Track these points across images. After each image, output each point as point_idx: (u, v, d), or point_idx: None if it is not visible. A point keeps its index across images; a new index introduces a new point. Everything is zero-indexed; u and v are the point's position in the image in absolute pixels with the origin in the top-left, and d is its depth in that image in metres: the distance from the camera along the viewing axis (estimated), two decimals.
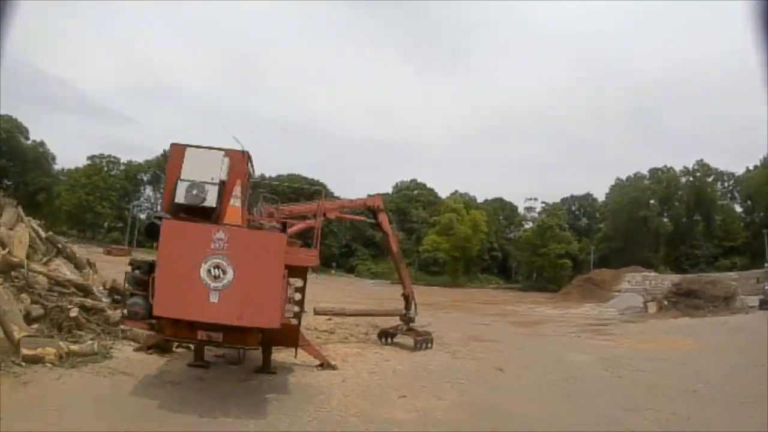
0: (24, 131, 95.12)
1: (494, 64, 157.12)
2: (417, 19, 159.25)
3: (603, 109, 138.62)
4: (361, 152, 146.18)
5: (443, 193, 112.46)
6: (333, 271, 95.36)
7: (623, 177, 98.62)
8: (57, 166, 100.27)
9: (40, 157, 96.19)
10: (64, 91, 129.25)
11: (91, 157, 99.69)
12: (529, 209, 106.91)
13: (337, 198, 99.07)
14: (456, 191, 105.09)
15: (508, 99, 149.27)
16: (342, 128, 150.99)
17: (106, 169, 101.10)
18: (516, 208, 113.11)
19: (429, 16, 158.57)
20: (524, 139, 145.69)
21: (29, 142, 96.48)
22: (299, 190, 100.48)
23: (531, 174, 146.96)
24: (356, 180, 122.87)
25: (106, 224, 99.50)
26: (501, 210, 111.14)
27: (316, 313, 16.46)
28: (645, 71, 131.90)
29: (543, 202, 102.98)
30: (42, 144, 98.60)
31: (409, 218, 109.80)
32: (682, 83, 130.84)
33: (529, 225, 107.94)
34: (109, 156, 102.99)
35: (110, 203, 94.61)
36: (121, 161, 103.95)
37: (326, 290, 31.74)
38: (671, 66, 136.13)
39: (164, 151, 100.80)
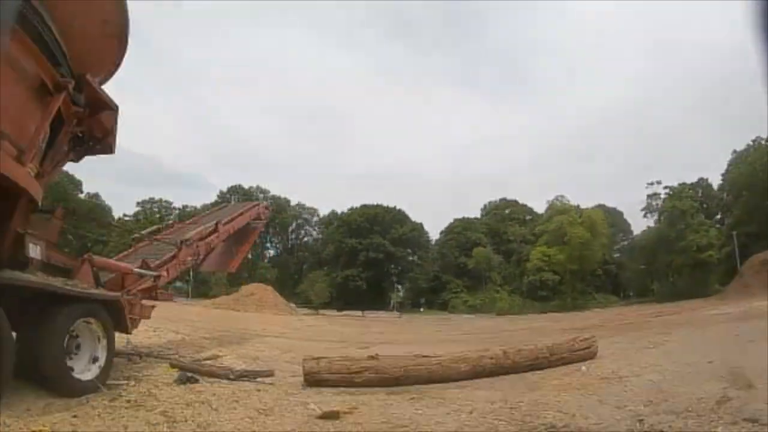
0: (77, 184, 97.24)
1: (563, 80, 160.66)
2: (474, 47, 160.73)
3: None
4: (447, 189, 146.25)
5: (539, 207, 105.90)
6: (421, 309, 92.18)
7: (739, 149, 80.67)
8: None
9: (95, 209, 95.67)
10: (151, 166, 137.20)
11: (141, 203, 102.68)
12: (653, 196, 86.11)
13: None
14: (556, 197, 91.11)
15: (580, 114, 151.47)
16: (425, 170, 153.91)
17: (158, 214, 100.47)
18: (621, 213, 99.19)
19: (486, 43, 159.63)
20: (608, 151, 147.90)
21: (83, 195, 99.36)
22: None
23: (618, 186, 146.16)
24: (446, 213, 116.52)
25: None
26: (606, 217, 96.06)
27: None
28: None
29: (666, 187, 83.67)
30: (96, 196, 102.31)
31: (506, 238, 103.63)
32: None
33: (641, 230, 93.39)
34: (160, 200, 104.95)
35: None
36: (174, 205, 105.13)
37: (404, 331, 32.21)
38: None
39: (221, 192, 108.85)
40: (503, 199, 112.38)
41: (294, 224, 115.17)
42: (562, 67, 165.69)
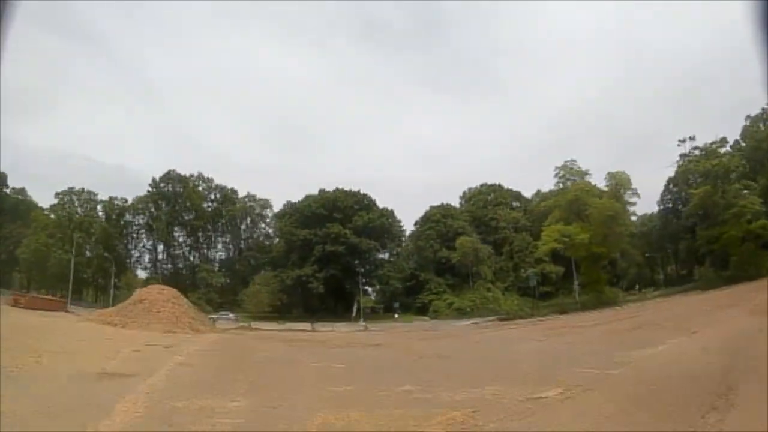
0: (2, 178, 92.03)
1: (528, 79, 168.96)
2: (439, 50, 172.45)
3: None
4: (423, 192, 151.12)
5: (527, 191, 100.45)
6: (396, 315, 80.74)
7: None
8: None
9: (19, 204, 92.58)
10: (120, 175, 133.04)
11: (60, 194, 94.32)
12: (687, 156, 74.67)
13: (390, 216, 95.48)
14: (566, 162, 75.94)
15: (551, 110, 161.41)
16: (399, 175, 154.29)
17: (79, 207, 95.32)
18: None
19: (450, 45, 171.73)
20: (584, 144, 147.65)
21: (8, 190, 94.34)
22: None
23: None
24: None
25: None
26: None
27: None
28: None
29: (696, 148, 73.94)
30: (22, 191, 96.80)
31: (493, 225, 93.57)
32: None
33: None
34: (82, 191, 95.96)
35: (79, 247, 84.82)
36: (99, 197, 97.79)
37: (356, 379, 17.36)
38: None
39: (154, 180, 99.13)
40: (484, 185, 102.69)
41: (248, 221, 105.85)
42: (529, 67, 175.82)
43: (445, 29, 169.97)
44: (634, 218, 73.38)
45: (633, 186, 66.49)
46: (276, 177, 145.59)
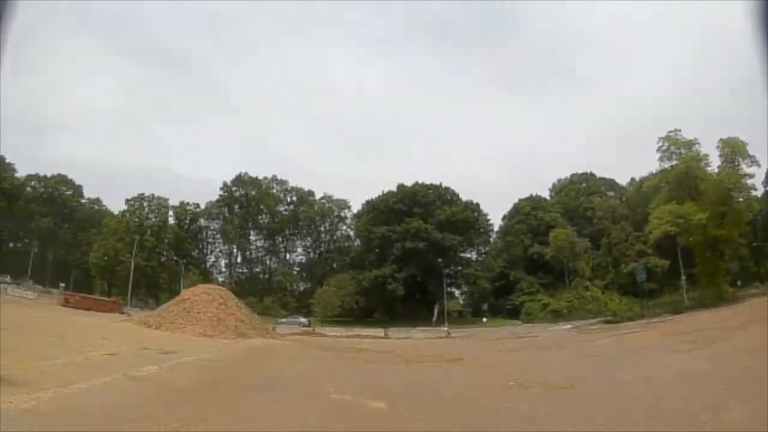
0: (78, 190, 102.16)
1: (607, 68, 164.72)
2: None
3: None
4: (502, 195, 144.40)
5: (621, 179, 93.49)
6: (484, 319, 75.49)
7: None
8: None
9: (94, 214, 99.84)
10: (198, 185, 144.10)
11: (131, 200, 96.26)
12: None
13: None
14: (669, 132, 65.98)
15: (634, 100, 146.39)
16: (478, 177, 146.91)
17: (150, 212, 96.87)
18: None
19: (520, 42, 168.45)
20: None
21: (84, 200, 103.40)
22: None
23: None
24: None
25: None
26: None
27: None
28: None
29: None
30: (98, 201, 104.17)
31: (587, 216, 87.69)
32: None
33: None
34: (152, 196, 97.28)
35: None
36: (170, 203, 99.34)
37: None
38: None
39: (225, 184, 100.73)
40: (575, 174, 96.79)
41: (327, 223, 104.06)
42: (604, 59, 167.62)
43: (516, 26, 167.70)
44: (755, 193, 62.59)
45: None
46: (353, 184, 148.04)
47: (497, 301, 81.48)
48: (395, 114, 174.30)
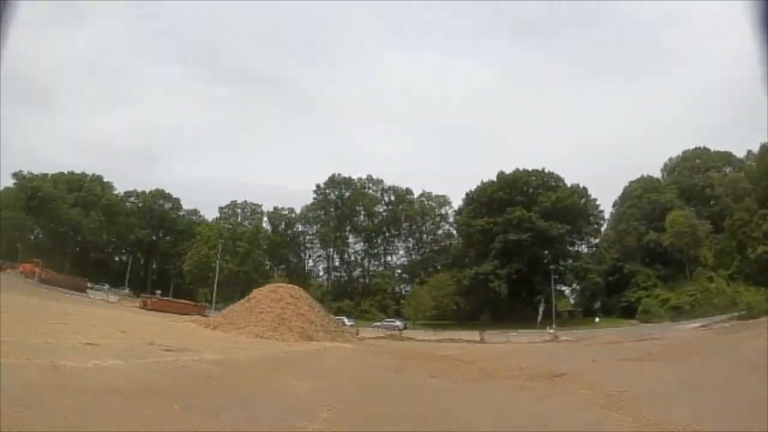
0: (176, 203, 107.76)
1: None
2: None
3: None
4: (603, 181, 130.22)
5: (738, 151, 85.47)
6: (597, 319, 70.40)
7: None
8: None
9: (192, 224, 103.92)
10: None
11: (224, 208, 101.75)
12: None
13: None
14: None
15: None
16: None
17: (242, 218, 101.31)
18: None
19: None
20: None
21: (181, 212, 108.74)
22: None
23: None
24: None
25: None
26: None
27: None
28: None
29: None
30: (195, 212, 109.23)
31: (709, 195, 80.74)
32: None
33: None
34: (245, 203, 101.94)
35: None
36: (263, 209, 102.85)
37: None
38: None
39: (318, 186, 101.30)
40: (686, 151, 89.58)
41: (428, 223, 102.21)
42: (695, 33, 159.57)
43: (600, 10, 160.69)
44: None
45: None
46: (451, 181, 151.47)
47: (610, 298, 76.37)
48: (484, 108, 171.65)
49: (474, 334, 48.63)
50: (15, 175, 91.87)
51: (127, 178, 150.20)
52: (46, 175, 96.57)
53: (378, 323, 66.62)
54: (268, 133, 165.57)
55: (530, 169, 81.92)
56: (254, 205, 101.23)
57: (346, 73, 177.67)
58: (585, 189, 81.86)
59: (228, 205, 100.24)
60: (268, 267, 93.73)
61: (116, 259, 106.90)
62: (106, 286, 75.31)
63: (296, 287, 45.80)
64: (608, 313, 72.79)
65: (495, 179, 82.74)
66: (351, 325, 60.62)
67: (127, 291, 76.15)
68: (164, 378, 12.22)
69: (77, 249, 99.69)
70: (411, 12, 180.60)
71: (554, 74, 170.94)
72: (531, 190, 79.98)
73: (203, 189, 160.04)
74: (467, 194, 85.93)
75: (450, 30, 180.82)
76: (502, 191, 79.21)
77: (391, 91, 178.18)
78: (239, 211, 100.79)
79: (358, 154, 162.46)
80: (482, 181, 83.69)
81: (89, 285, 68.51)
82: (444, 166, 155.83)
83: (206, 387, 11.89)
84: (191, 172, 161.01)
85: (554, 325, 60.84)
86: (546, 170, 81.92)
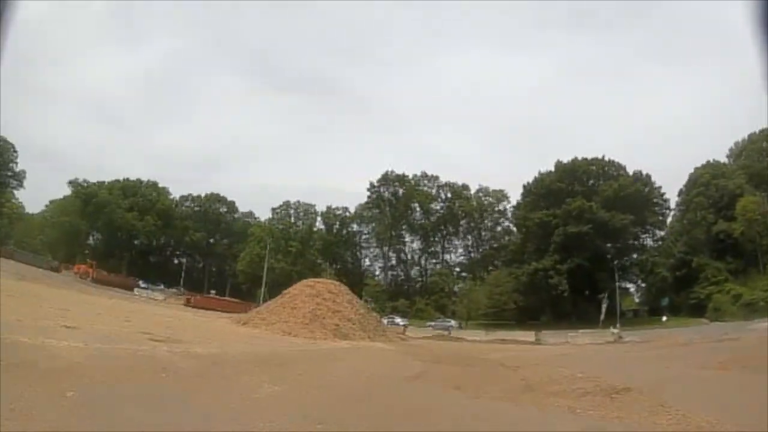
0: (231, 206, 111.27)
1: None
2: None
3: None
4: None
5: None
6: (664, 317, 66.09)
7: None
8: None
9: (247, 227, 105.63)
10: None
11: (277, 209, 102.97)
12: None
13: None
14: None
15: None
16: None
17: (294, 219, 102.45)
18: None
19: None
20: None
21: (237, 215, 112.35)
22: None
23: None
24: None
25: None
26: None
27: None
28: None
29: None
30: (250, 214, 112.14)
31: None
32: None
33: None
34: (297, 203, 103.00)
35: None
36: (317, 209, 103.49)
37: None
38: None
39: (371, 184, 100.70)
40: (753, 134, 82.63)
41: (488, 220, 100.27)
42: None
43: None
44: None
45: None
46: (510, 176, 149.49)
47: (677, 295, 71.49)
48: (541, 102, 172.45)
49: (530, 335, 46.48)
50: (71, 183, 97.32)
51: (187, 186, 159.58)
52: (103, 182, 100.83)
53: (432, 323, 65.52)
54: (323, 137, 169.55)
55: (589, 157, 78.63)
56: (307, 205, 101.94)
57: (399, 74, 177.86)
58: (648, 176, 77.59)
59: (281, 206, 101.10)
60: (320, 266, 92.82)
61: (176, 262, 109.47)
62: (162, 286, 78.80)
63: (336, 282, 44.58)
64: (675, 311, 68.50)
65: (553, 169, 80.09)
66: (404, 325, 59.41)
67: (175, 290, 77.73)
68: (106, 363, 10.98)
69: (134, 252, 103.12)
70: (458, 11, 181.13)
71: (611, 63, 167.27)
72: (591, 181, 77.18)
73: (260, 193, 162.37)
74: (524, 186, 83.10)
75: (500, 26, 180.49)
76: (560, 181, 76.49)
77: (446, 89, 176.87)
78: (292, 211, 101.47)
79: (414, 154, 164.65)
80: (539, 172, 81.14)
81: (143, 285, 71.74)
82: (501, 163, 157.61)
83: (150, 378, 10.61)
84: (249, 178, 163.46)
85: (618, 325, 56.72)
86: (606, 158, 78.51)
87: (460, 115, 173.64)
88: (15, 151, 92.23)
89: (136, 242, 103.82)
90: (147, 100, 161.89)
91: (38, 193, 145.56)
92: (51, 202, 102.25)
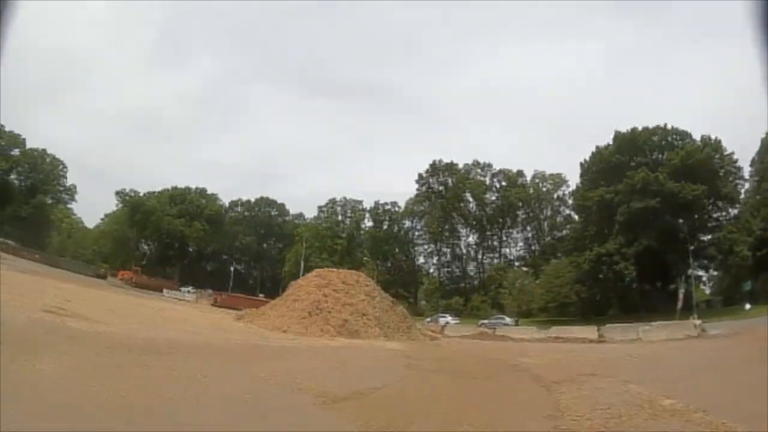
0: (282, 208, 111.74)
1: None
2: None
3: None
4: None
5: None
6: (747, 306, 55.74)
7: None
8: None
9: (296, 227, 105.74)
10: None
11: (324, 206, 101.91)
12: None
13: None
14: None
15: None
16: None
17: (341, 216, 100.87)
18: None
19: None
20: None
21: (288, 217, 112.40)
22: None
23: None
24: None
25: None
26: None
27: None
28: None
29: None
30: (300, 216, 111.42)
31: None
32: None
33: None
34: (344, 200, 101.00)
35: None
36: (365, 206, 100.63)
37: None
38: None
39: (420, 175, 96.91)
40: None
41: (548, 210, 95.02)
42: None
43: None
44: None
45: None
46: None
47: (756, 279, 61.24)
48: (593, 88, 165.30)
49: (591, 331, 37.45)
50: (118, 193, 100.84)
51: (239, 195, 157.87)
52: (153, 192, 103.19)
53: (485, 320, 58.78)
54: (371, 140, 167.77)
55: (650, 126, 69.87)
56: (354, 201, 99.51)
57: (447, 73, 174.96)
58: (718, 141, 67.48)
59: (327, 204, 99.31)
60: (368, 264, 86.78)
61: (232, 268, 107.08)
62: (207, 290, 78.63)
63: (356, 272, 40.68)
64: (755, 299, 57.14)
65: (611, 142, 71.37)
66: (445, 323, 55.63)
67: (210, 292, 76.63)
68: None
69: (187, 259, 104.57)
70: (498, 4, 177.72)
71: (665, 42, 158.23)
72: (654, 153, 68.49)
73: (311, 197, 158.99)
74: (581, 165, 74.80)
75: (544, 17, 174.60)
76: (619, 153, 68.42)
77: (492, 84, 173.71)
78: (339, 208, 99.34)
79: (463, 153, 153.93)
80: (597, 147, 72.72)
81: (185, 289, 73.73)
82: (556, 155, 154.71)
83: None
84: (300, 184, 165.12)
85: (695, 315, 47.50)
86: (669, 126, 69.45)
87: (508, 109, 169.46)
88: (65, 167, 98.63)
89: (190, 249, 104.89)
90: (197, 115, 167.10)
91: (95, 208, 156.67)
92: (106, 215, 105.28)
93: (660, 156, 68.30)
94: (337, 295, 33.30)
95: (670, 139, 69.21)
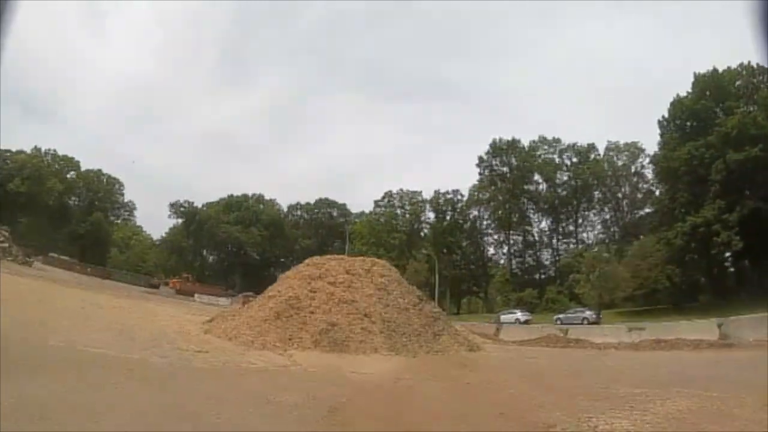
0: (343, 208, 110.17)
1: None
2: None
3: None
4: None
5: None
6: None
7: None
8: None
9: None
10: None
11: (378, 201, 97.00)
12: None
13: None
14: None
15: None
16: None
17: (401, 208, 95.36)
18: None
19: None
20: None
21: (350, 218, 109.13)
22: None
23: None
24: None
25: None
26: None
27: None
28: None
29: None
30: (361, 215, 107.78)
31: None
32: None
33: None
34: (400, 191, 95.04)
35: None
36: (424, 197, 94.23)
37: None
38: None
39: (480, 158, 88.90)
40: None
41: (626, 185, 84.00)
42: None
43: None
44: None
45: None
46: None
47: None
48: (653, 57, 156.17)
49: (707, 327, 26.90)
50: (172, 205, 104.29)
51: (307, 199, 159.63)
52: (211, 202, 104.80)
53: (561, 315, 50.42)
54: (439, 138, 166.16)
55: (732, 66, 57.21)
56: (412, 192, 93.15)
57: (514, 60, 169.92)
58: None
59: (383, 197, 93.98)
60: (429, 258, 78.25)
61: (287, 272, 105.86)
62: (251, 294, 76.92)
63: (372, 260, 31.71)
64: None
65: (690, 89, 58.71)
66: (526, 319, 49.71)
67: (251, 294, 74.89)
68: None
69: (248, 266, 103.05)
70: None
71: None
72: (742, 92, 56.08)
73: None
74: (659, 122, 62.29)
75: None
76: (703, 99, 55.91)
77: (559, 62, 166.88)
78: (396, 201, 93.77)
79: (529, 129, 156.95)
80: (676, 95, 59.76)
81: (242, 295, 70.89)
82: (632, 125, 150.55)
83: None
84: (365, 185, 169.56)
85: None
86: (753, 65, 55.61)
87: (579, 88, 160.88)
88: (121, 185, 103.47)
89: (253, 256, 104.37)
90: (265, 129, 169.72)
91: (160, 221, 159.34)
92: (171, 228, 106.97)
93: (753, 96, 55.11)
94: (333, 289, 25.11)
95: (757, 74, 55.39)
